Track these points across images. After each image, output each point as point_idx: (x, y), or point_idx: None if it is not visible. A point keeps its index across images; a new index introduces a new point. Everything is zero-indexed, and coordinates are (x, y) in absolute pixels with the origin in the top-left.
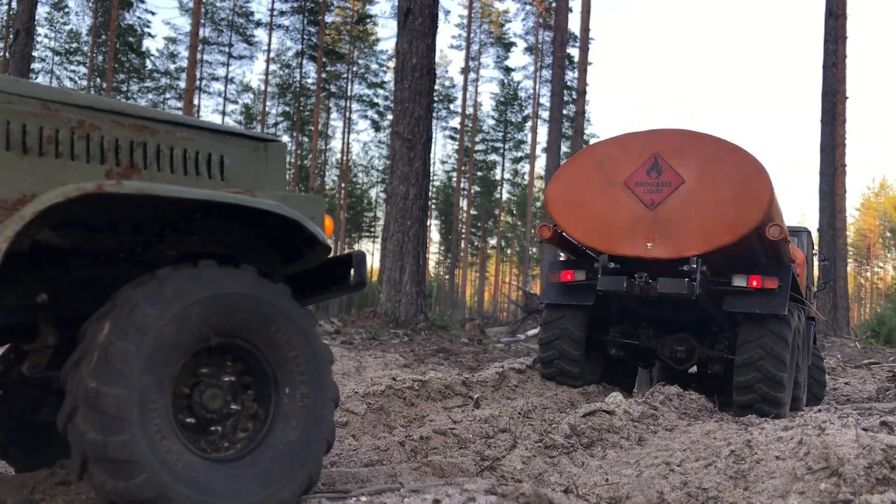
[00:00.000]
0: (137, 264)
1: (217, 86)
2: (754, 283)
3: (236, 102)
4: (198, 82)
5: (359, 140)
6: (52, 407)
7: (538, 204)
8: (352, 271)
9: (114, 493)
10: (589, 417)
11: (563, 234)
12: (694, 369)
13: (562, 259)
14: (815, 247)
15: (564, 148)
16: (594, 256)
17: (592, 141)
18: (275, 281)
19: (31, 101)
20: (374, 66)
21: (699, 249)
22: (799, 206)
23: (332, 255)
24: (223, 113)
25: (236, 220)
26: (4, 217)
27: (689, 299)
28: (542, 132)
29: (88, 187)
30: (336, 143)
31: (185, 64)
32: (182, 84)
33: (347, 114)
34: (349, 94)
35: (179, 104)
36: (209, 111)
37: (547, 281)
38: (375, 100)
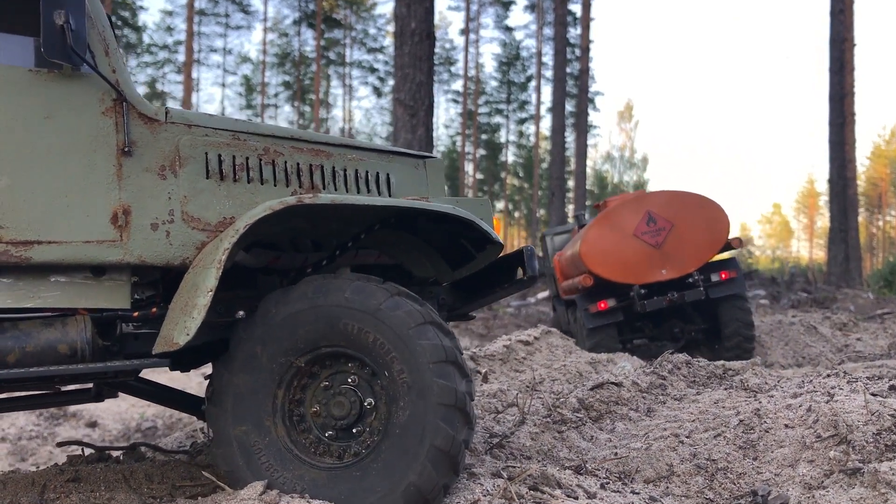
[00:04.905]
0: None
1: (216, 58)
2: (723, 276)
3: (235, 74)
4: (196, 55)
5: (360, 107)
6: None
7: (544, 165)
8: (519, 267)
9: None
10: (597, 390)
11: (600, 277)
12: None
13: (589, 286)
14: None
15: (569, 107)
16: (626, 288)
17: (597, 99)
18: (443, 286)
19: (223, 132)
20: (372, 31)
21: (696, 265)
22: (808, 159)
23: None
24: (223, 85)
25: (408, 230)
26: (209, 238)
27: (699, 299)
28: (546, 92)
29: (290, 201)
30: (338, 112)
31: (182, 37)
32: (181, 57)
33: (348, 81)
34: (349, 60)
35: (179, 78)
36: (209, 83)
37: (588, 311)
38: (375, 65)
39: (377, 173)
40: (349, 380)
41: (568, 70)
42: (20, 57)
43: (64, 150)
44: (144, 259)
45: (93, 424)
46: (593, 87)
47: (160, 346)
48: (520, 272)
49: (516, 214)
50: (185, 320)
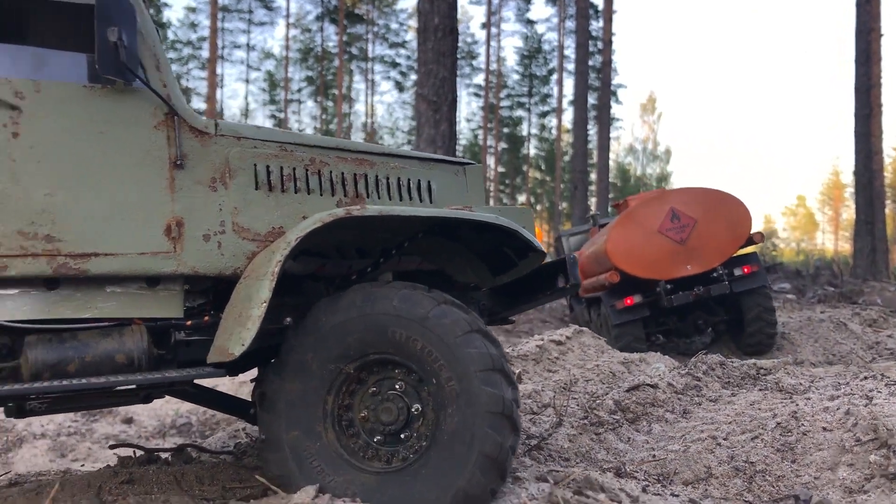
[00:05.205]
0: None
1: (239, 53)
2: (746, 270)
3: (259, 70)
4: (220, 51)
5: (383, 102)
6: None
7: (566, 158)
8: (560, 275)
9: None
10: (633, 392)
11: (626, 273)
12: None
13: (615, 283)
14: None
15: (591, 100)
16: (651, 284)
17: (620, 91)
18: (483, 291)
19: (271, 144)
20: (394, 26)
21: (720, 260)
22: (831, 150)
23: None
24: (247, 81)
25: (451, 238)
26: (259, 248)
27: (724, 293)
28: (569, 85)
29: (339, 213)
30: (360, 107)
31: (206, 33)
32: (205, 54)
33: (370, 76)
34: (371, 55)
35: (203, 74)
36: (233, 79)
37: (614, 307)
38: (398, 60)
39: (419, 181)
40: (396, 386)
41: (590, 63)
42: (74, 73)
43: (118, 164)
44: (197, 270)
45: (129, 421)
46: (616, 80)
47: (215, 355)
48: (560, 280)
49: (538, 208)
50: (239, 331)
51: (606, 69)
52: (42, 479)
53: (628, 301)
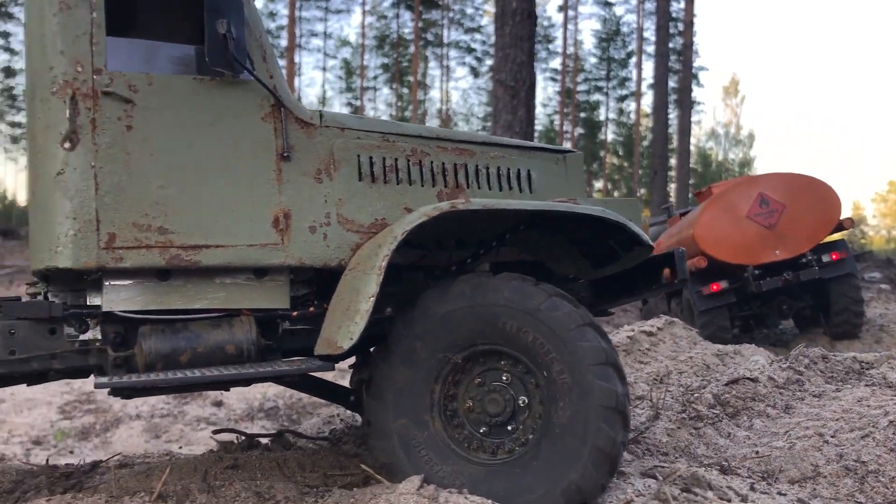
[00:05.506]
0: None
1: (316, 42)
2: (834, 257)
3: (335, 57)
4: (298, 39)
5: (458, 88)
6: None
7: (645, 143)
8: (665, 270)
9: None
10: (732, 386)
11: (714, 259)
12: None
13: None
14: None
15: (672, 83)
16: (738, 270)
17: (701, 74)
18: (581, 282)
19: (374, 135)
20: (469, 11)
21: (809, 246)
22: None
23: None
24: (324, 69)
25: (550, 229)
26: (363, 239)
27: (813, 278)
28: (648, 68)
29: (444, 207)
30: (435, 93)
31: (284, 22)
32: (283, 42)
33: (445, 62)
34: (446, 41)
35: (281, 62)
36: (310, 67)
37: (700, 293)
38: (473, 45)
39: (518, 170)
40: (503, 377)
41: (670, 45)
42: (184, 66)
43: (227, 156)
44: (304, 261)
45: (218, 404)
46: (697, 62)
47: (323, 347)
48: (665, 275)
49: (616, 194)
50: (347, 324)
51: (687, 51)
52: (148, 461)
53: (714, 287)
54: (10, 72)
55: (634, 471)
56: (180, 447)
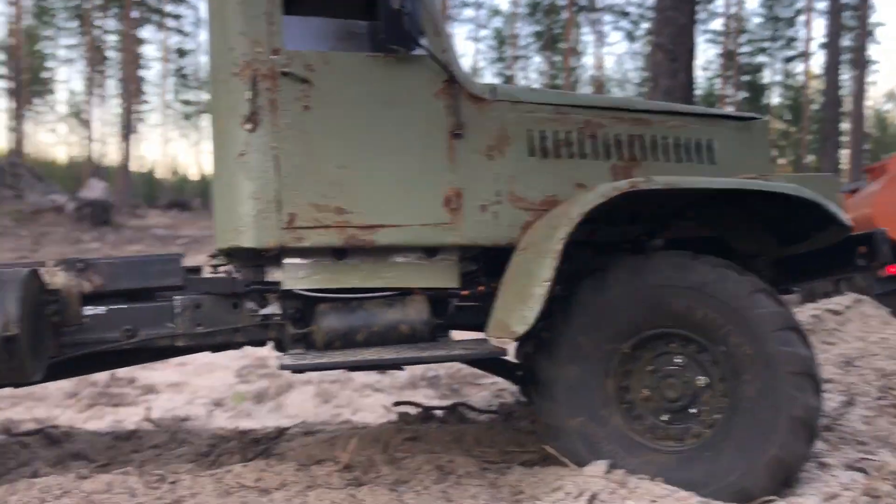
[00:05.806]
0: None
1: (468, 12)
2: None
3: (486, 27)
4: (449, 10)
5: (612, 53)
6: None
7: (814, 107)
8: (858, 251)
9: None
10: None
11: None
12: None
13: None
14: None
15: (845, 41)
16: None
17: (878, 30)
18: (764, 260)
19: (546, 107)
20: None
21: None
22: None
23: None
24: (475, 39)
25: (734, 204)
26: (534, 217)
27: None
28: (818, 26)
29: (623, 186)
30: (588, 59)
31: None
32: None
33: (598, 27)
34: (599, 5)
35: None
36: (462, 38)
37: (878, 276)
38: (627, 9)
39: (698, 140)
40: (676, 360)
41: (843, 0)
42: (357, 43)
43: (401, 135)
44: (475, 241)
45: (383, 372)
46: (873, 18)
47: (496, 331)
48: (861, 258)
49: (781, 161)
50: (521, 309)
51: (863, 6)
52: (327, 428)
53: (891, 269)
54: (182, 52)
55: (837, 462)
56: (352, 413)
